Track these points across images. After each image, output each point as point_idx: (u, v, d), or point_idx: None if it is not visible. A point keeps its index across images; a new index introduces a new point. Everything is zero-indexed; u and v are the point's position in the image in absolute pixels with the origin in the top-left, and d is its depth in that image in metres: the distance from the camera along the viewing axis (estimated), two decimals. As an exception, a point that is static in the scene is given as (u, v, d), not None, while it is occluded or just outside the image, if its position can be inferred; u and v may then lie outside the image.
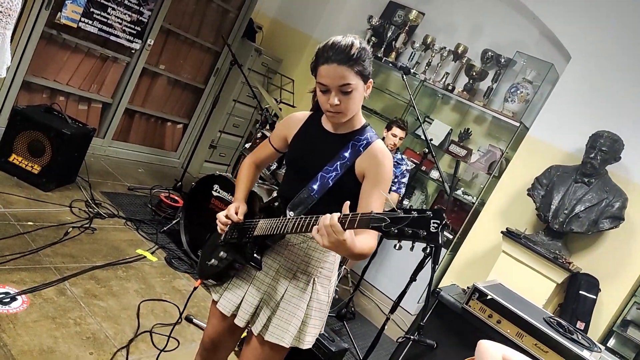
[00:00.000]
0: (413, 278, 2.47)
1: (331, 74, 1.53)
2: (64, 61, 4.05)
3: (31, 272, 2.58)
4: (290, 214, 1.65)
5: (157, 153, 5.11)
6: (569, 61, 4.26)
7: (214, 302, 1.85)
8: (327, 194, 1.64)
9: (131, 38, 4.28)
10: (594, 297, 3.86)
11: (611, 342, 4.01)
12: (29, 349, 2.11)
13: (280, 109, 4.44)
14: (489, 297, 2.35)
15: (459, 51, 4.73)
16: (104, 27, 4.07)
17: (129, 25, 4.21)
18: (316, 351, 2.30)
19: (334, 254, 1.76)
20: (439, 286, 2.43)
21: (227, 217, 1.78)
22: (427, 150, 3.30)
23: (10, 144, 3.45)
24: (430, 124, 4.90)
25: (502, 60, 4.58)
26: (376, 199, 1.61)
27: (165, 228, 3.73)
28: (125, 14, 4.15)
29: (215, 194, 3.49)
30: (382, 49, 5.11)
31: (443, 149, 4.75)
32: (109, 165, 4.50)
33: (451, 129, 4.85)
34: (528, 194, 4.07)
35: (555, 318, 2.43)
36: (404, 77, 3.41)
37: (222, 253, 1.82)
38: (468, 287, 2.51)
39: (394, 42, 5.11)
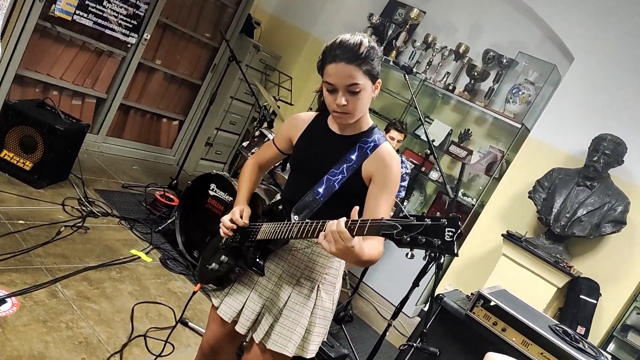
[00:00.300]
0: (416, 283, 2.40)
1: (339, 73, 1.47)
2: (57, 55, 3.95)
3: (22, 273, 2.50)
4: (294, 217, 1.58)
5: (152, 150, 5.02)
6: (572, 62, 4.21)
7: (214, 307, 1.79)
8: (332, 197, 1.58)
9: (127, 32, 4.19)
10: (595, 301, 3.82)
11: (611, 347, 3.97)
12: (18, 354, 2.02)
13: (279, 106, 4.37)
14: (493, 304, 2.29)
15: (460, 51, 4.67)
16: (100, 21, 3.97)
17: (125, 18, 4.12)
18: (316, 358, 2.23)
19: (338, 259, 1.69)
20: (436, 288, 2.36)
21: (231, 220, 1.70)
22: (428, 152, 3.23)
23: (2, 139, 3.35)
24: (430, 124, 4.84)
25: (504, 60, 4.52)
26: (383, 203, 1.54)
27: (160, 227, 3.65)
28: (121, 7, 4.05)
29: (211, 193, 3.41)
30: (383, 47, 5.03)
31: (443, 149, 4.69)
32: (102, 162, 4.41)
33: (451, 130, 4.79)
34: (529, 197, 4.02)
35: (561, 326, 2.37)
36: (406, 77, 3.34)
37: (223, 257, 1.75)
38: (472, 294, 2.45)
39: (394, 41, 5.04)
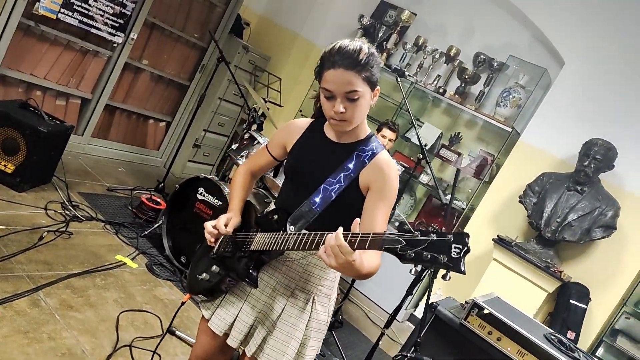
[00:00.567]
0: (410, 292, 2.36)
1: (337, 80, 1.43)
2: (41, 54, 3.84)
3: (2, 281, 2.41)
4: (290, 228, 1.53)
5: (139, 152, 4.93)
6: (563, 67, 4.21)
7: (204, 319, 1.72)
8: (329, 207, 1.53)
9: (113, 31, 4.09)
10: (585, 306, 3.82)
11: (600, 352, 3.97)
12: (-3, 368, 1.94)
13: (268, 108, 4.30)
14: (488, 312, 2.25)
15: (451, 54, 4.65)
16: (85, 19, 3.87)
17: (111, 17, 4.02)
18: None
19: (334, 270, 1.64)
20: (430, 297, 2.31)
21: (213, 226, 1.64)
22: (420, 156, 3.19)
23: (-18, 141, 3.24)
24: (421, 127, 4.81)
25: (495, 64, 4.51)
26: (381, 213, 1.50)
27: (146, 232, 3.56)
28: (107, 5, 3.96)
29: (200, 197, 3.34)
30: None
31: (433, 152, 4.67)
32: (87, 164, 4.30)
33: (442, 133, 4.77)
34: (520, 201, 4.01)
35: (556, 335, 2.35)
36: (398, 80, 3.31)
37: (214, 267, 1.68)
38: (466, 302, 2.41)
39: (385, 43, 5.01)
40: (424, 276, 2.31)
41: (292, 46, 5.35)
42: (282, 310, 1.58)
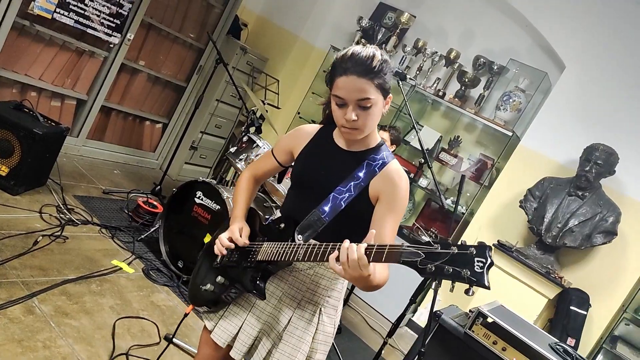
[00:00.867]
0: (413, 300, 2.32)
1: (349, 87, 1.39)
2: (36, 54, 3.78)
3: (-5, 287, 2.35)
4: (298, 237, 1.48)
5: (135, 154, 4.86)
6: (563, 71, 4.19)
7: (206, 330, 1.67)
8: (337, 217, 1.48)
9: (110, 32, 4.03)
10: (585, 313, 3.80)
11: (599, 358, 3.95)
12: (-10, 379, 1.88)
13: (267, 110, 4.26)
14: (493, 322, 2.21)
15: (451, 56, 4.62)
16: (81, 19, 3.81)
17: (107, 17, 3.96)
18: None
19: (342, 280, 1.60)
20: (434, 306, 2.28)
21: (230, 239, 1.59)
22: (422, 161, 3.15)
23: (-25, 143, 3.17)
24: (420, 130, 4.77)
25: (495, 67, 4.48)
26: (390, 225, 1.46)
27: (143, 236, 3.50)
28: (104, 5, 3.90)
29: (198, 201, 3.29)
30: (372, 51, 4.95)
31: (432, 156, 4.63)
32: (82, 166, 4.24)
33: (441, 136, 4.73)
34: (520, 206, 3.98)
35: (561, 344, 2.31)
36: (400, 83, 3.27)
37: (219, 278, 1.63)
38: (471, 311, 2.37)
39: (384, 45, 4.97)
40: (427, 285, 2.27)
41: (291, 48, 5.31)
42: (289, 322, 1.54)
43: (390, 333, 2.32)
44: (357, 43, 4.99)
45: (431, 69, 4.79)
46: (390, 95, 1.47)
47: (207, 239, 3.15)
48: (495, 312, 2.33)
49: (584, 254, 3.94)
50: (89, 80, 4.18)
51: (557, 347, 2.26)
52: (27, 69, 3.78)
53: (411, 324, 4.47)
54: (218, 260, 1.66)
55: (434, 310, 2.32)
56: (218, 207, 3.19)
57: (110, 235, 3.36)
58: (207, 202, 3.24)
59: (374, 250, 1.18)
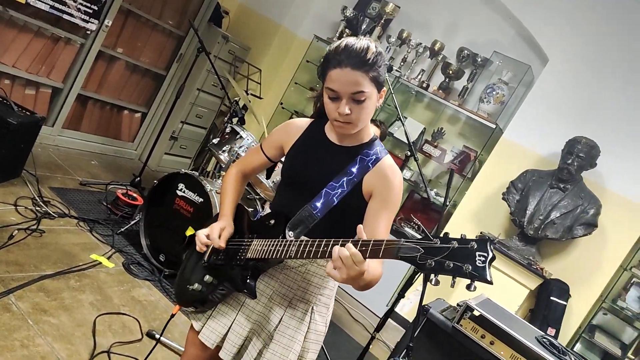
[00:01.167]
0: (402, 295, 2.30)
1: (343, 80, 1.34)
2: (10, 41, 3.63)
3: (-31, 284, 2.26)
4: (290, 234, 1.44)
5: (112, 144, 4.74)
6: (546, 64, 4.20)
7: (194, 330, 1.62)
8: (330, 213, 1.45)
9: (87, 18, 3.89)
10: (565, 303, 3.85)
11: (578, 347, 4.02)
12: (-35, 381, 1.81)
13: (250, 101, 4.18)
14: (481, 316, 2.21)
15: (436, 48, 4.60)
16: (57, 5, 3.66)
17: (84, 3, 3.82)
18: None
19: (336, 279, 1.56)
20: (423, 300, 2.26)
21: (207, 237, 1.54)
22: (408, 153, 3.13)
23: (-55, 132, 3.04)
24: (404, 122, 4.75)
25: (479, 59, 4.48)
26: (384, 221, 1.43)
27: (122, 229, 3.41)
28: (80, -10, 3.76)
29: (180, 193, 3.21)
30: (356, 41, 4.90)
31: (416, 148, 4.62)
32: (58, 156, 4.11)
33: (424, 128, 4.73)
34: (503, 198, 4.00)
35: (547, 337, 2.33)
36: (386, 74, 3.23)
37: (207, 277, 1.57)
38: (458, 304, 2.37)
39: (368, 35, 4.92)
40: (416, 279, 2.25)
41: (273, 37, 5.22)
42: (280, 321, 1.50)
43: (379, 328, 2.30)
44: (341, 33, 4.94)
45: (415, 61, 4.76)
46: (385, 88, 1.43)
47: (190, 232, 3.09)
48: (483, 305, 2.34)
49: (564, 246, 3.98)
50: (64, 67, 4.04)
51: (544, 339, 2.28)
52: (0, 56, 3.63)
53: (393, 315, 4.47)
54: (205, 258, 1.60)
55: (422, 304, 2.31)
56: (201, 199, 3.12)
57: (88, 228, 3.27)
58: (190, 195, 3.17)
59: (370, 246, 1.15)
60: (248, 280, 1.46)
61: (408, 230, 4.32)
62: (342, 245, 1.19)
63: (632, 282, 3.94)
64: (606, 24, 3.98)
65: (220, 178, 3.32)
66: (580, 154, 3.69)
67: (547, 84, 4.15)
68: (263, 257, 1.42)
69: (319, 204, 1.43)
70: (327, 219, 1.44)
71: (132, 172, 4.43)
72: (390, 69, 3.21)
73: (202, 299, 1.57)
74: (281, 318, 1.50)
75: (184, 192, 3.19)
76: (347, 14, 4.93)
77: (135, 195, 3.76)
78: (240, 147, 3.42)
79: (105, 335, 2.42)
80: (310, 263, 1.50)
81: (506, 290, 3.77)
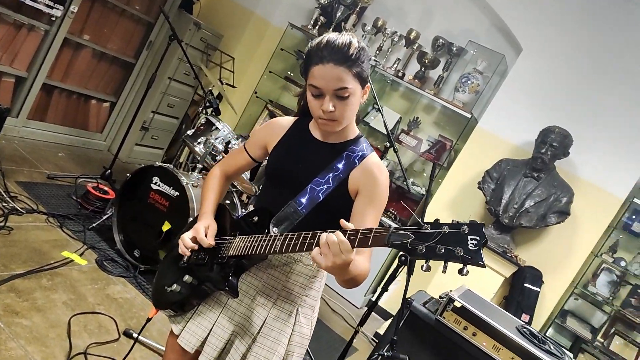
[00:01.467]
0: (385, 288, 2.30)
1: (326, 76, 1.31)
2: (-33, 27, 3.44)
3: None
4: (274, 230, 1.40)
5: (80, 134, 4.57)
6: (520, 54, 4.24)
7: (173, 335, 1.57)
8: (315, 209, 1.42)
9: (51, 3, 3.70)
10: (538, 289, 3.93)
11: (550, 332, 4.12)
12: None
13: (224, 90, 4.09)
14: (464, 308, 2.22)
15: (411, 37, 4.58)
16: (18, -11, 3.49)
17: (48, -12, 3.65)
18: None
19: (320, 279, 1.53)
20: (406, 293, 2.26)
21: (194, 240, 1.49)
22: (388, 144, 3.12)
23: None
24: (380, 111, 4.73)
25: (454, 49, 4.48)
26: (371, 218, 1.41)
27: (94, 224, 3.30)
28: (43, -26, 3.59)
29: (154, 187, 3.12)
30: (331, 30, 4.85)
31: (392, 137, 4.61)
32: (23, 149, 3.94)
33: (400, 117, 4.72)
34: (479, 187, 4.04)
35: (527, 327, 2.36)
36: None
37: (186, 277, 1.52)
38: (441, 297, 2.38)
39: (343, 23, 4.87)
40: (399, 272, 2.25)
41: (246, 24, 5.10)
42: (263, 324, 1.46)
43: (362, 322, 2.29)
44: (316, 20, 4.86)
45: (391, 49, 4.74)
46: (369, 84, 1.41)
47: (166, 227, 3.01)
48: (465, 297, 2.35)
49: (537, 233, 4.06)
50: (28, 56, 3.86)
51: (524, 329, 2.31)
52: (-43, 42, 3.45)
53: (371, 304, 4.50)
54: (185, 259, 1.55)
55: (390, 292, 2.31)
56: (177, 193, 3.04)
57: (58, 224, 3.15)
58: (165, 188, 3.08)
59: (359, 234, 1.13)
60: (230, 278, 1.40)
61: (385, 220, 4.33)
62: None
63: (602, 267, 4.05)
64: (579, 15, 4.03)
65: (197, 171, 3.24)
66: (553, 144, 3.74)
67: (521, 73, 4.19)
68: (246, 253, 1.38)
69: (304, 200, 1.40)
70: (312, 216, 1.41)
71: (101, 164, 4.30)
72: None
73: (181, 300, 1.52)
74: (265, 320, 1.46)
75: (158, 185, 3.10)
76: (322, 1, 4.86)
77: (106, 188, 3.64)
78: (216, 138, 3.34)
79: (81, 335, 2.34)
80: (296, 262, 1.47)
81: (482, 279, 3.82)
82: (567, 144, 3.76)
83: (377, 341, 3.92)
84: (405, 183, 2.93)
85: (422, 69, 4.54)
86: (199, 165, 3.29)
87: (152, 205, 3.11)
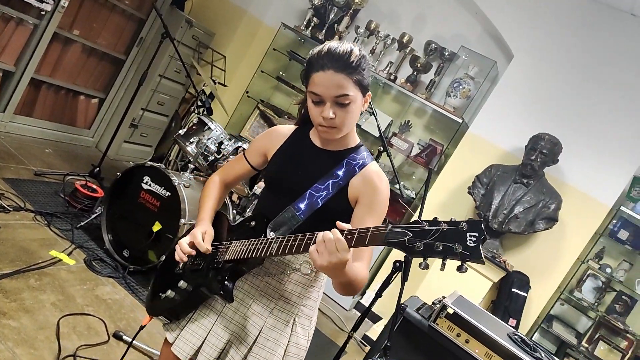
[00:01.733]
0: (379, 294, 2.30)
1: (327, 83, 1.31)
2: (-46, 18, 3.37)
3: None
4: (271, 234, 1.39)
5: (68, 130, 4.50)
6: (511, 60, 4.27)
7: (167, 343, 1.54)
8: (313, 215, 1.40)
9: (41, -3, 3.65)
10: (525, 294, 3.97)
11: (535, 336, 4.16)
12: None
13: (216, 89, 4.06)
14: (457, 315, 2.23)
15: (404, 40, 4.59)
16: (8, -18, 3.42)
17: (38, -19, 3.58)
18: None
19: (318, 288, 1.52)
20: (401, 298, 2.26)
21: (192, 245, 1.47)
22: (381, 148, 3.12)
23: None
24: (372, 115, 4.73)
25: (446, 53, 4.50)
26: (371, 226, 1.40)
27: (82, 223, 3.25)
28: (34, -33, 3.52)
29: (145, 186, 3.08)
30: (324, 31, 4.84)
31: (384, 140, 4.61)
32: (10, 144, 3.86)
33: (392, 120, 4.73)
34: (469, 192, 4.07)
35: (518, 334, 2.38)
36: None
37: (181, 282, 1.51)
38: (434, 303, 2.39)
39: (336, 25, 4.86)
40: (394, 278, 2.25)
41: (238, 23, 5.07)
42: (259, 333, 1.44)
43: (356, 327, 2.29)
44: (309, 21, 4.85)
45: (383, 52, 4.74)
46: (370, 92, 1.41)
47: (157, 227, 2.98)
48: (458, 303, 2.36)
49: (525, 239, 4.10)
50: (16, 50, 3.79)
51: (515, 337, 2.33)
52: (-57, 34, 3.37)
53: (359, 307, 4.51)
54: (180, 266, 1.53)
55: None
56: (168, 193, 3.01)
57: (46, 222, 3.09)
58: (156, 189, 3.05)
59: (356, 233, 1.12)
60: (226, 283, 1.38)
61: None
62: None
63: (587, 274, 4.10)
64: (570, 24, 4.08)
65: (188, 171, 3.21)
66: (543, 151, 3.78)
67: (512, 80, 4.22)
68: (242, 257, 1.36)
69: (302, 206, 1.40)
70: (310, 222, 1.39)
71: (88, 161, 4.24)
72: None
73: (175, 306, 1.50)
74: (261, 329, 1.44)
75: (149, 185, 3.07)
76: (315, 2, 4.84)
77: (94, 186, 3.59)
78: (209, 139, 3.32)
79: (70, 337, 2.31)
80: (294, 271, 1.46)
81: (470, 283, 3.85)
82: (557, 151, 3.80)
83: (365, 344, 3.94)
84: (397, 187, 2.93)
85: (415, 73, 4.55)
86: (191, 166, 3.26)
87: (142, 205, 3.07)
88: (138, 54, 4.64)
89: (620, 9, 3.94)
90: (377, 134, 4.53)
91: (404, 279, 2.17)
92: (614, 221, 4.01)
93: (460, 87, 4.37)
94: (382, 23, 4.77)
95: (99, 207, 3.33)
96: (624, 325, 3.92)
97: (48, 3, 3.71)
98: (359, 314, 4.40)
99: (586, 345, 4.00)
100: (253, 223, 1.45)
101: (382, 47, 4.70)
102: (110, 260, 3.07)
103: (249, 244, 1.36)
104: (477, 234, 0.99)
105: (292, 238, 1.24)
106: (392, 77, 4.57)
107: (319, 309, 1.58)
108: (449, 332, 2.23)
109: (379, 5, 4.91)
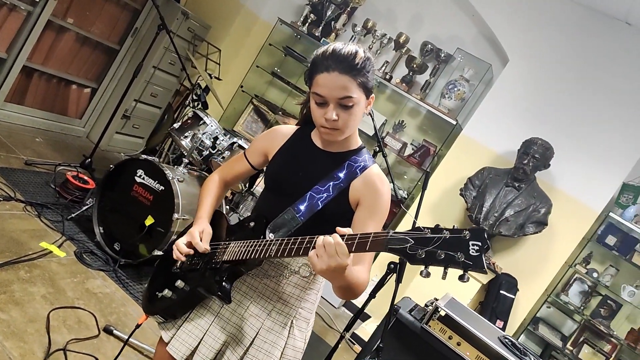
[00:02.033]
0: (372, 295, 2.30)
1: (331, 84, 1.31)
2: (-54, 2, 3.30)
3: None
4: (270, 236, 1.38)
5: (59, 120, 4.44)
6: (506, 64, 4.30)
7: (162, 342, 1.53)
8: (313, 217, 1.40)
9: (36, -17, 3.60)
10: (513, 296, 4.01)
11: (521, 338, 4.21)
12: None
13: (212, 82, 4.03)
14: (449, 317, 2.25)
15: (401, 40, 4.59)
16: (2, -33, 3.36)
17: (33, -33, 3.53)
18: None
19: (316, 291, 1.52)
20: (394, 301, 2.27)
21: (189, 245, 1.46)
22: (377, 149, 3.12)
23: None
24: (368, 115, 4.74)
25: (442, 55, 4.52)
26: (372, 229, 1.40)
27: (73, 215, 3.22)
28: (29, -47, 3.46)
29: (138, 180, 3.06)
30: (320, 28, 4.82)
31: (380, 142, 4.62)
32: (0, 132, 3.81)
33: (386, 120, 4.74)
34: (460, 194, 4.09)
35: (509, 337, 2.41)
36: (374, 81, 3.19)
37: (178, 282, 1.50)
38: (427, 305, 2.40)
39: (333, 23, 4.85)
40: (388, 280, 2.26)
41: (234, 17, 5.03)
42: (256, 335, 1.44)
43: (348, 327, 2.30)
44: (306, 17, 4.83)
45: (379, 51, 4.74)
46: (373, 95, 1.40)
47: (149, 221, 2.96)
48: (450, 306, 2.38)
49: (514, 242, 4.14)
50: (9, 37, 3.73)
51: (505, 340, 2.35)
52: None
53: (349, 305, 4.52)
54: (178, 264, 1.52)
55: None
56: (162, 187, 2.98)
57: (36, 213, 3.05)
58: (149, 182, 3.03)
59: (357, 239, 1.11)
60: (224, 283, 1.37)
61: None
62: None
63: (574, 278, 4.16)
64: (565, 30, 4.11)
65: (182, 165, 3.19)
66: (535, 155, 3.81)
67: (506, 84, 4.25)
68: (241, 258, 1.35)
69: (302, 207, 1.39)
70: (310, 224, 1.39)
71: (79, 151, 4.20)
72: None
73: (172, 306, 1.49)
74: (258, 331, 1.44)
75: (143, 178, 3.04)
76: (313, -1, 4.83)
77: (86, 178, 3.55)
78: (204, 133, 3.29)
79: (60, 331, 2.28)
80: (292, 274, 1.45)
81: (459, 284, 3.83)
82: (549, 156, 3.84)
83: (353, 342, 3.95)
84: (393, 189, 2.94)
85: (410, 73, 4.56)
86: (185, 160, 3.24)
87: (135, 198, 3.05)
88: (132, 44, 4.59)
89: (616, 17, 3.98)
90: (371, 133, 4.54)
91: (398, 281, 2.17)
92: (602, 227, 4.06)
93: (455, 89, 4.38)
94: (379, 22, 4.76)
95: (90, 199, 3.30)
96: (608, 329, 3.98)
97: (42, -10, 3.65)
98: (348, 312, 4.43)
99: (571, 348, 4.05)
100: (252, 224, 1.45)
101: (379, 46, 4.70)
102: (101, 253, 3.04)
103: (248, 245, 1.35)
104: (479, 243, 0.98)
105: (292, 241, 1.23)
106: (387, 77, 4.57)
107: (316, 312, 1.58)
108: (441, 335, 2.24)
109: (376, 4, 4.91)
